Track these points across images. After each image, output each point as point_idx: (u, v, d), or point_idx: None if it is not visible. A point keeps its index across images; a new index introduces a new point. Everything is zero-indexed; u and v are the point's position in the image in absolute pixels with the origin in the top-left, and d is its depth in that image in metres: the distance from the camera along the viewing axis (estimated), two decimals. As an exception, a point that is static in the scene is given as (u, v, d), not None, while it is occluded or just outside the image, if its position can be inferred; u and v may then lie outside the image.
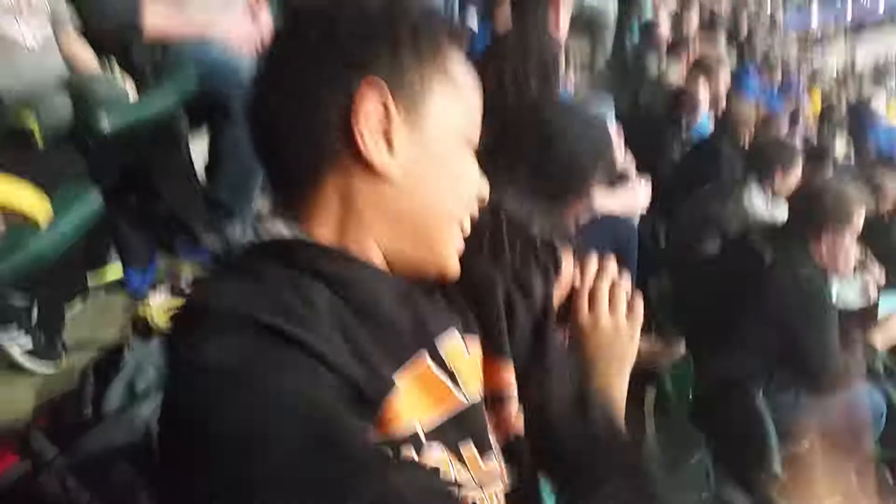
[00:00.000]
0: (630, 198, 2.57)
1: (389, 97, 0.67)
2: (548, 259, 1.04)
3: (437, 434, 0.68)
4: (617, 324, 1.05)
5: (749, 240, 2.48)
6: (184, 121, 2.13)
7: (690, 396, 2.34)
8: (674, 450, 1.75)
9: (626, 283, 1.09)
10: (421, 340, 0.70)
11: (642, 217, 2.79)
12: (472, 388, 0.74)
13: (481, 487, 0.73)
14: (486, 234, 1.04)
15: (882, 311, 2.66)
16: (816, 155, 4.38)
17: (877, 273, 3.73)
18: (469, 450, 0.72)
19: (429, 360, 0.69)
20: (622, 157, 2.92)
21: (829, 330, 2.32)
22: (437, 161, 0.70)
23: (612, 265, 1.11)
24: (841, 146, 6.50)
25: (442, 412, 0.69)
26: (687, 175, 3.73)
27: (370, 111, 0.67)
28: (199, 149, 2.24)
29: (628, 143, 3.13)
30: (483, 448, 0.74)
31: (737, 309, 2.39)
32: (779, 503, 1.91)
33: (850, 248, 2.41)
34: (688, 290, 2.82)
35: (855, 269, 3.43)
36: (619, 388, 1.05)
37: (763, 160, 3.29)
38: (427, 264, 0.74)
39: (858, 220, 2.41)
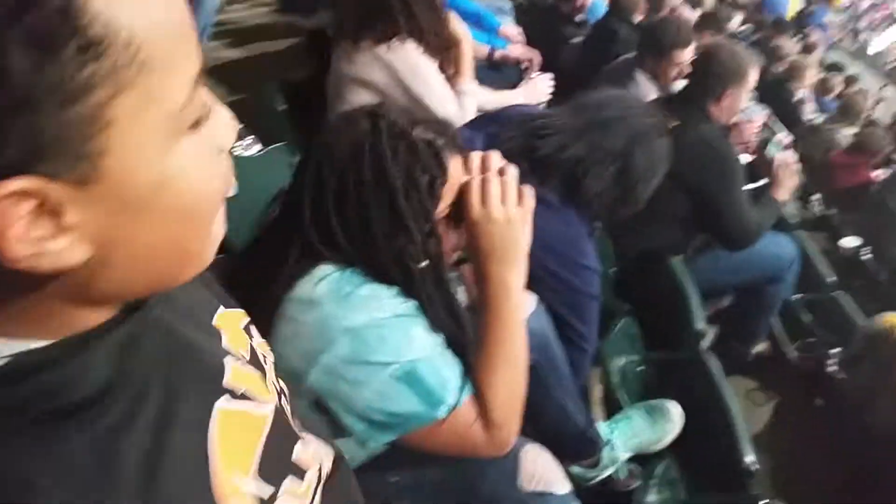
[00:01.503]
0: (533, 90, 2.55)
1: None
2: (433, 163, 1.01)
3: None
4: (509, 214, 1.07)
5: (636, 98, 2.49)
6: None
7: (611, 271, 2.38)
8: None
9: (513, 173, 1.10)
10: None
11: (548, 106, 2.77)
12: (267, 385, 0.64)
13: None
14: (364, 145, 1.00)
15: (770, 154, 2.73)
16: (711, 22, 4.40)
17: (782, 134, 3.88)
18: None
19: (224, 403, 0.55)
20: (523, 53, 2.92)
21: (737, 186, 2.38)
22: (146, 202, 0.44)
23: (496, 157, 1.10)
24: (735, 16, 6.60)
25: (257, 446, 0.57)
26: (588, 60, 3.71)
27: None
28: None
29: (529, 39, 3.11)
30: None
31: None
32: (707, 359, 1.99)
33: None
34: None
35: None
36: (517, 276, 1.08)
37: (654, 41, 3.17)
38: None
39: (752, 78, 2.46)
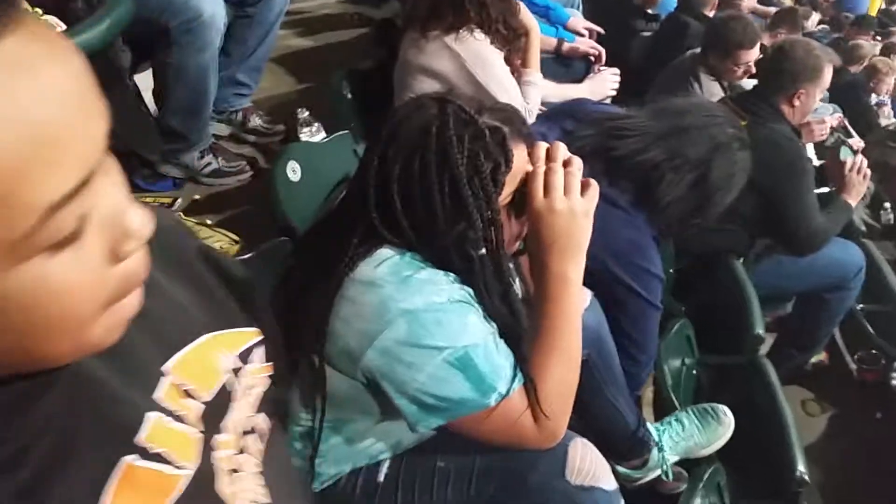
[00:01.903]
0: (598, 84, 2.54)
1: None
2: (497, 151, 1.02)
3: None
4: (572, 206, 1.06)
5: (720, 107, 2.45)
6: (125, 53, 2.05)
7: (672, 270, 2.35)
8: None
9: (578, 165, 1.10)
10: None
11: (614, 101, 2.75)
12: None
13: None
14: (431, 129, 1.01)
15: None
16: (787, 19, 4.28)
17: (856, 139, 3.75)
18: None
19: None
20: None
21: (807, 188, 2.33)
22: None
23: (562, 148, 1.10)
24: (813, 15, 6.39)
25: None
26: (658, 54, 3.66)
27: None
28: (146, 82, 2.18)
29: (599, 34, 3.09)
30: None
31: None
32: (765, 364, 1.95)
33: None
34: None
35: (832, 130, 3.42)
36: (576, 269, 1.08)
37: (718, 39, 3.08)
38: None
39: (827, 77, 2.39)
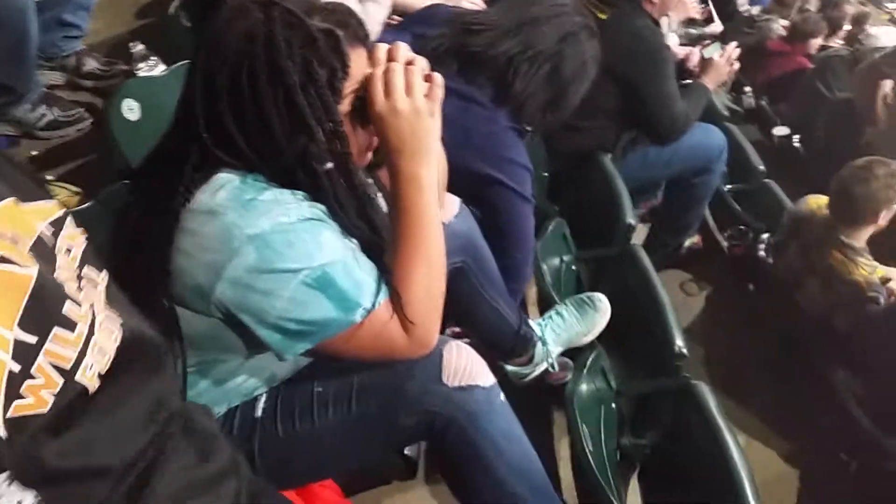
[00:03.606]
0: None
1: None
2: (332, 56, 0.96)
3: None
4: (416, 105, 1.03)
5: (582, 2, 2.44)
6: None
7: (545, 174, 2.38)
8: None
9: (422, 64, 1.06)
10: None
11: None
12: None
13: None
14: (257, 36, 0.93)
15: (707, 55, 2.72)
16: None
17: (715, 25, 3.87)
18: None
19: None
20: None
21: (666, 77, 2.38)
22: None
23: (404, 47, 1.06)
24: None
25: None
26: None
27: None
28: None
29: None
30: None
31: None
32: (637, 250, 2.01)
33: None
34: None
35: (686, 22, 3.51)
36: (428, 171, 1.05)
37: None
38: None
39: None
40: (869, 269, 2.27)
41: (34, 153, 2.00)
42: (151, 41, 2.18)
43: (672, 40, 3.35)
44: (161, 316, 0.98)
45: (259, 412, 1.13)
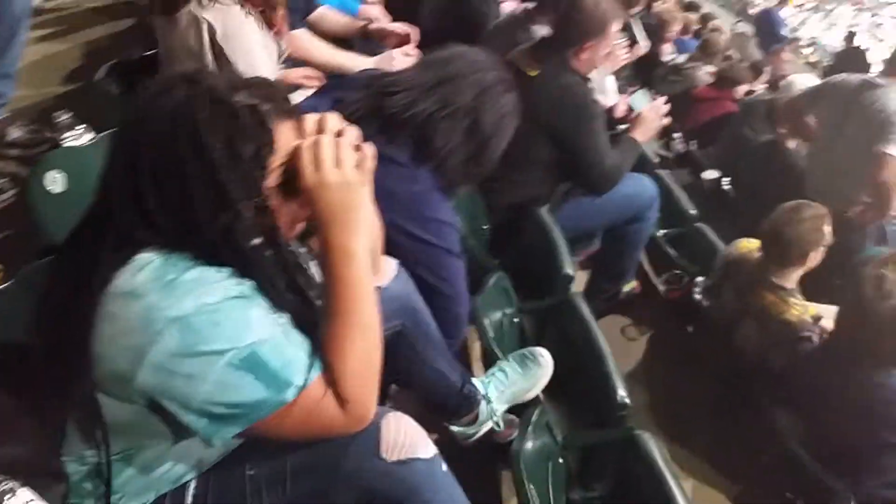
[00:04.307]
0: (385, 61, 2.48)
1: None
2: (257, 131, 0.95)
3: None
4: (345, 177, 1.02)
5: (511, 58, 2.50)
6: None
7: (484, 228, 2.40)
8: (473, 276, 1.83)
9: (352, 134, 1.05)
10: None
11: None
12: None
13: None
14: (180, 114, 0.92)
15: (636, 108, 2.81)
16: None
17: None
18: None
19: None
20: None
21: (596, 130, 2.44)
22: None
23: (333, 118, 1.06)
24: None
25: None
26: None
27: None
28: None
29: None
30: None
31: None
32: (577, 300, 2.04)
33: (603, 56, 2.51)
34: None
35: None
36: (358, 241, 1.04)
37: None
38: None
39: (614, 32, 2.49)
40: (801, 309, 2.33)
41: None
42: (78, 108, 2.13)
43: (609, 86, 3.44)
44: (82, 403, 0.94)
45: (189, 500, 1.08)
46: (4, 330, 1.14)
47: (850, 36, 12.24)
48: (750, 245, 2.58)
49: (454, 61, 1.63)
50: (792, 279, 2.39)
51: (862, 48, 9.39)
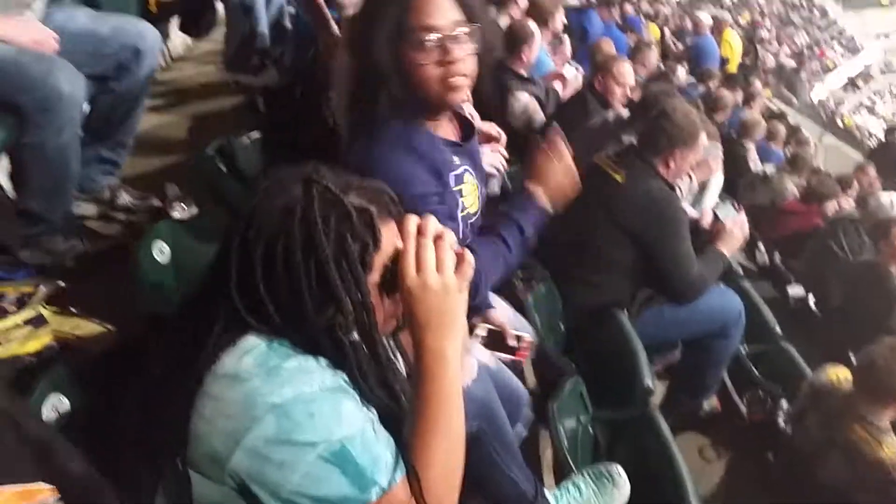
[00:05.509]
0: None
1: None
2: (365, 231, 0.98)
3: None
4: (445, 282, 1.03)
5: (599, 164, 2.52)
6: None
7: (562, 328, 2.38)
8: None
9: (451, 239, 1.08)
10: None
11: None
12: None
13: None
14: (295, 211, 0.97)
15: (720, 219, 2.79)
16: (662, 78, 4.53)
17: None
18: None
19: None
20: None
21: (682, 240, 2.42)
22: None
23: (433, 223, 1.08)
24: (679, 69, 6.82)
25: None
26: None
27: None
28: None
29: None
30: None
31: (595, 233, 2.44)
32: (656, 416, 1.97)
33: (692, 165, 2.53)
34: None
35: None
36: (454, 344, 1.04)
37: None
38: None
39: (703, 141, 2.51)
40: (895, 449, 2.19)
41: (62, 284, 2.02)
42: (184, 179, 2.25)
43: (709, 201, 3.40)
44: (174, 479, 0.96)
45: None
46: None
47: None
48: (839, 373, 2.47)
49: None
50: (885, 418, 2.26)
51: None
